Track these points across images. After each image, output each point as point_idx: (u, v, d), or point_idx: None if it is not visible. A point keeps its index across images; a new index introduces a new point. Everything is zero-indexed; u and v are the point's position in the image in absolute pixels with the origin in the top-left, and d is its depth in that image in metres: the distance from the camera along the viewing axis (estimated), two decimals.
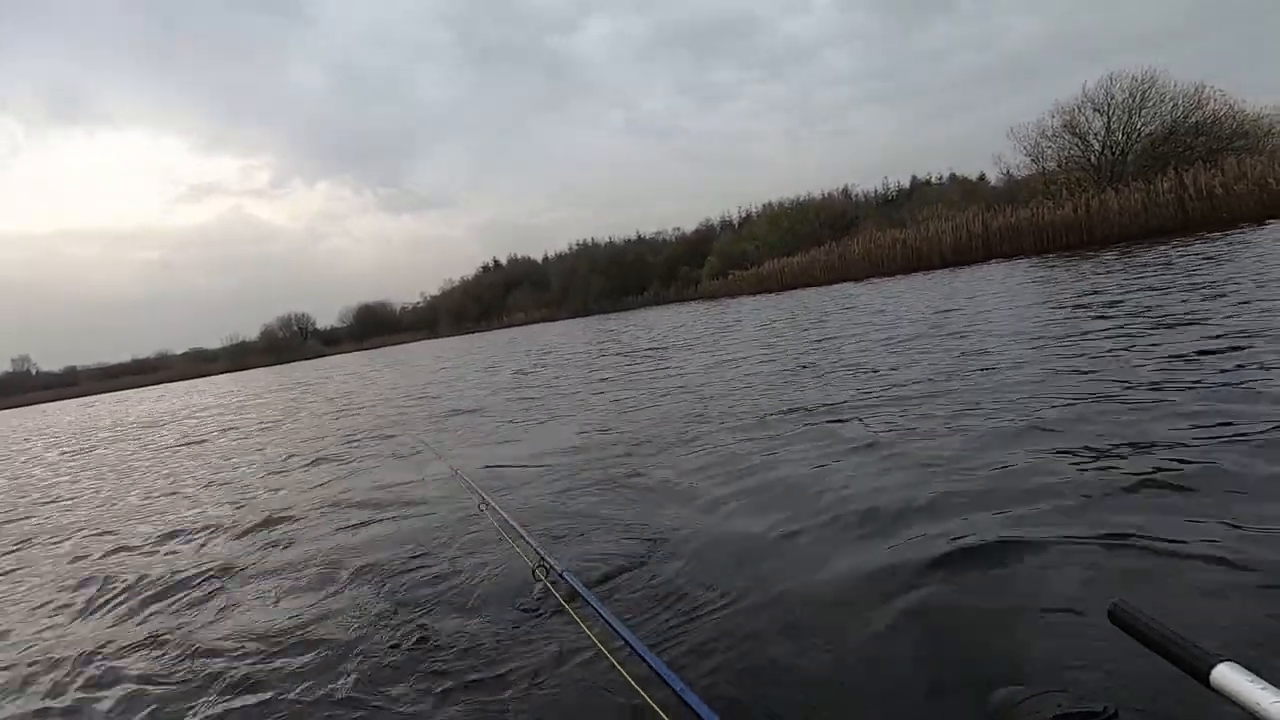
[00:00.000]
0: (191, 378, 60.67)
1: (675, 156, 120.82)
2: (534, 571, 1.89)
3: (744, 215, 49.81)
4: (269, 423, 9.99)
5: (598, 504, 3.15)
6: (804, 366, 6.34)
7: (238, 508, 4.38)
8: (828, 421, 3.95)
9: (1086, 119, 25.34)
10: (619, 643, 1.34)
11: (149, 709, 1.93)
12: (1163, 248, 13.64)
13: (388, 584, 2.55)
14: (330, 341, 73.95)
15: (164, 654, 2.28)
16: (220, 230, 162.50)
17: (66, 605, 3.00)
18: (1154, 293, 7.08)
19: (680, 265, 47.64)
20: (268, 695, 1.87)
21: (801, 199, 42.65)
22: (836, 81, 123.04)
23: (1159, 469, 2.35)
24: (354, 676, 1.89)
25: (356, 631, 2.17)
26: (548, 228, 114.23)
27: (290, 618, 2.38)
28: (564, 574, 1.74)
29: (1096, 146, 25.37)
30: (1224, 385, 3.25)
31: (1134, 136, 24.51)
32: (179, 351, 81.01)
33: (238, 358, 68.95)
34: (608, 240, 59.47)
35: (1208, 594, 1.59)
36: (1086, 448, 2.70)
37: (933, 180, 46.28)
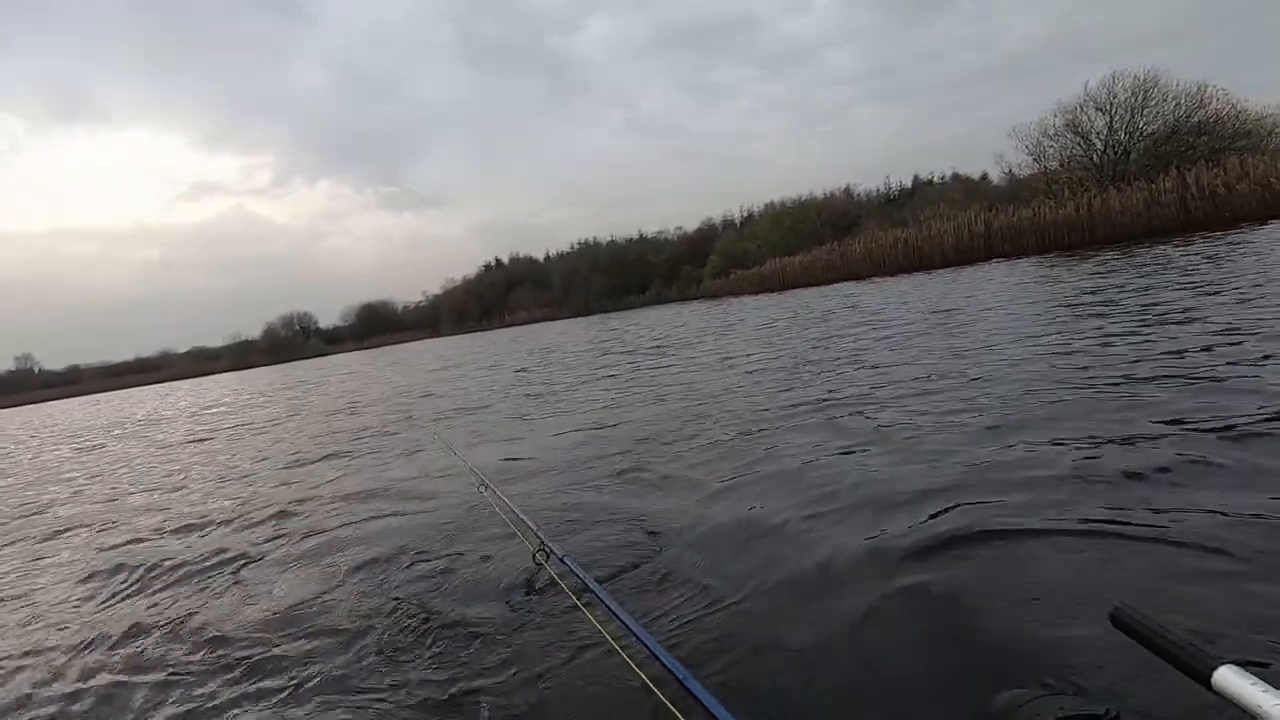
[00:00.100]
0: (194, 376, 60.84)
1: (676, 156, 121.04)
2: (534, 556, 1.95)
3: (746, 215, 49.88)
4: (275, 420, 10.05)
5: (601, 496, 3.20)
6: (806, 364, 6.38)
7: (249, 501, 4.44)
8: (830, 416, 3.99)
9: (1089, 118, 25.37)
10: (620, 629, 1.37)
11: (176, 693, 2.00)
12: (1164, 247, 13.66)
13: (398, 574, 2.60)
14: (332, 340, 74.11)
15: (184, 640, 2.35)
16: (221, 229, 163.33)
17: (89, 597, 3.07)
18: (1153, 292, 7.11)
19: (682, 264, 47.63)
20: (281, 681, 1.93)
21: (803, 198, 42.77)
22: (837, 81, 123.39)
23: (1152, 461, 2.39)
24: (365, 662, 1.95)
25: (367, 620, 2.22)
26: (548, 227, 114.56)
27: (302, 607, 2.44)
28: (565, 559, 1.78)
29: (1099, 145, 25.36)
30: (1219, 380, 3.29)
31: (1136, 136, 24.49)
32: (181, 350, 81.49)
33: (240, 356, 69.18)
34: (609, 239, 59.57)
35: (1201, 579, 1.63)
36: (1089, 438, 2.75)
37: (935, 179, 46.24)
